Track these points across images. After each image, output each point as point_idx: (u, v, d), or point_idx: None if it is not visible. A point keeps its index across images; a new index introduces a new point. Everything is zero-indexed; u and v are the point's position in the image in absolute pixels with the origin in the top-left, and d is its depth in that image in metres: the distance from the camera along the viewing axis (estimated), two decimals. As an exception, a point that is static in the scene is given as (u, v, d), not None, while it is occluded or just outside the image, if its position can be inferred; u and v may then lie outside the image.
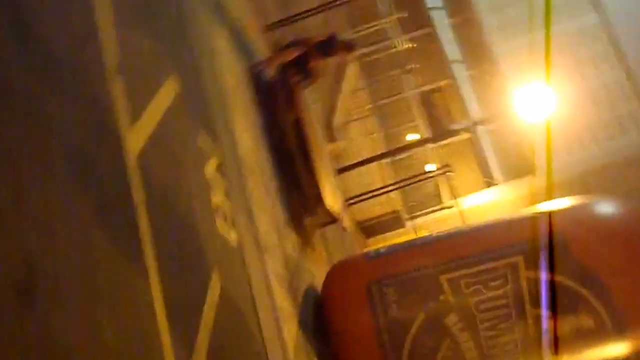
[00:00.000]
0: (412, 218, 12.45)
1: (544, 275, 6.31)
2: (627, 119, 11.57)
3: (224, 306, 4.60)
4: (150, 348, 3.37)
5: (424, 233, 11.31)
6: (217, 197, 5.13)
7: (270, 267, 6.05)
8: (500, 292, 6.36)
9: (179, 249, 4.14)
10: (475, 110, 13.43)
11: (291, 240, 7.16)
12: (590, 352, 7.10)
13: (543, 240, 6.54)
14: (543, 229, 6.69)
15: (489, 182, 13.03)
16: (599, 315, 6.24)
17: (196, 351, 3.87)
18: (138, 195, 3.72)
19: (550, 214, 6.92)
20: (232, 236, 5.25)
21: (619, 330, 6.29)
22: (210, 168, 5.17)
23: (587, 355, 7.40)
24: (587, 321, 6.26)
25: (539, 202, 7.51)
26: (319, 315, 6.85)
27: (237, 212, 5.51)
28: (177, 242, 4.13)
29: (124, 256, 3.38)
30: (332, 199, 7.98)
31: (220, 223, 5.03)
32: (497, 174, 13.29)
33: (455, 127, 13.37)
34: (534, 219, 7.03)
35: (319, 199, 7.73)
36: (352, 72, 12.31)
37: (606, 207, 6.81)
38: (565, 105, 10.97)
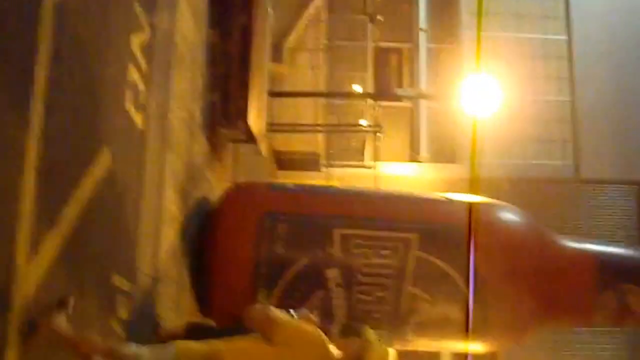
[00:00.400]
0: (330, 165, 12.28)
1: (432, 260, 6.30)
2: (557, 143, 11.84)
3: (107, 185, 4.32)
4: (4, 211, 3.09)
5: (335, 183, 11.19)
6: (135, 75, 4.79)
7: (170, 164, 5.78)
8: (386, 262, 6.32)
9: (74, 113, 3.82)
10: (423, 83, 13.32)
11: (200, 145, 6.87)
12: (448, 343, 7.22)
13: (442, 228, 6.52)
14: (446, 217, 6.67)
15: (414, 157, 12.99)
16: (470, 313, 6.28)
17: (59, 223, 3.60)
18: (45, 46, 3.39)
19: (457, 205, 6.89)
20: (138, 119, 4.93)
21: (484, 331, 6.38)
22: (136, 41, 4.82)
23: (442, 344, 7.53)
24: (456, 314, 6.31)
25: (453, 190, 7.50)
26: (203, 229, 6.64)
27: (151, 97, 5.18)
28: (74, 106, 3.81)
29: (9, 104, 3.09)
30: (256, 118, 7.70)
31: (129, 102, 4.70)
32: (423, 151, 13.28)
33: (400, 92, 13.18)
34: (440, 204, 7.01)
35: (242, 113, 7.42)
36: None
37: (509, 216, 6.89)
38: (507, 110, 11.10)
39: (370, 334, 3.68)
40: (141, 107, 4.93)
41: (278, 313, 3.64)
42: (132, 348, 3.59)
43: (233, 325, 5.61)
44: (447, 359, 12.10)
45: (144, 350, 3.54)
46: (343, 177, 12.09)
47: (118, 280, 4.61)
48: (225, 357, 3.46)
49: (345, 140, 13.23)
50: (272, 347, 3.47)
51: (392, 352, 3.65)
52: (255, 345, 3.53)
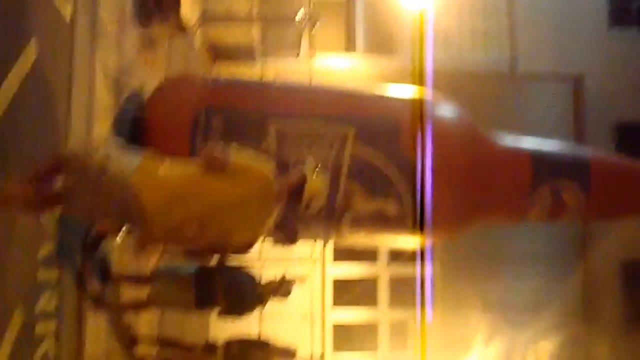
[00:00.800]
0: (265, 56, 12.07)
1: (368, 155, 6.33)
2: (493, 35, 11.79)
3: (34, 80, 4.18)
4: None
5: (271, 76, 11.05)
6: (60, -37, 4.56)
7: (100, 56, 5.60)
8: (322, 157, 6.32)
9: (-3, 4, 3.64)
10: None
11: (132, 36, 6.66)
12: (382, 237, 7.38)
13: (378, 122, 6.53)
14: (382, 111, 6.67)
15: (350, 48, 12.89)
16: (404, 208, 6.40)
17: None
18: None
19: (394, 99, 6.90)
20: (67, 10, 4.73)
21: (415, 227, 6.52)
22: None
23: (378, 239, 7.69)
24: (391, 209, 6.41)
25: (391, 82, 7.47)
26: (136, 125, 6.51)
27: (79, -13, 4.95)
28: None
29: None
30: (189, 9, 7.47)
31: (56, -8, 4.49)
32: (360, 42, 13.14)
33: (337, -18, 12.89)
34: (377, 98, 6.99)
35: (176, 3, 7.19)
36: None
37: (445, 111, 6.87)
38: (443, 1, 10.99)
39: (309, 167, 4.04)
40: (69, -1, 4.72)
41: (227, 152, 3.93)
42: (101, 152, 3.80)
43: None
44: (384, 256, 12.44)
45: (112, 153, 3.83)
46: (279, 69, 11.93)
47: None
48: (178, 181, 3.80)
49: (280, 31, 12.98)
50: (222, 181, 3.82)
51: (325, 184, 4.10)
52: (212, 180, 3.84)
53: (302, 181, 3.97)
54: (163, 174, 3.82)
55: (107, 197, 3.72)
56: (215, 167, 3.82)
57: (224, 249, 4.18)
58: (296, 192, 3.96)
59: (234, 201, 3.83)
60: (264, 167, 3.97)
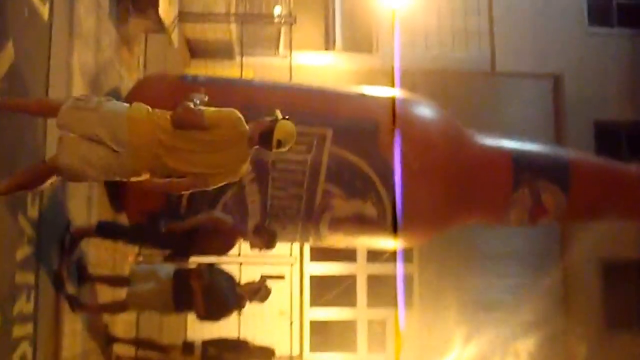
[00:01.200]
0: (243, 54, 12.01)
1: (347, 155, 6.34)
2: (473, 34, 11.81)
3: (11, 81, 4.14)
4: None
5: (250, 73, 11.01)
6: (37, -38, 4.50)
7: (77, 55, 5.54)
8: (301, 157, 6.31)
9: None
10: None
11: (110, 35, 6.59)
12: (361, 238, 7.38)
13: (357, 123, 6.54)
14: (361, 112, 6.68)
15: (328, 46, 12.89)
16: (383, 209, 6.41)
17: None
18: None
19: (373, 100, 6.90)
20: (44, 11, 4.68)
21: (394, 228, 6.53)
22: None
23: (356, 240, 7.69)
24: (370, 210, 6.42)
25: (369, 80, 7.47)
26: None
27: (57, -14, 4.89)
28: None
29: None
30: (166, 7, 7.42)
31: (32, -8, 4.44)
32: (339, 40, 13.13)
33: (315, -20, 12.87)
34: (356, 98, 6.99)
35: (153, 1, 7.13)
36: None
37: (423, 111, 6.89)
38: (422, 0, 11.01)
39: (278, 114, 4.29)
40: (45, -1, 4.67)
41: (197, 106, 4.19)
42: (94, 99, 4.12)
43: (144, 223, 5.61)
44: (363, 255, 12.44)
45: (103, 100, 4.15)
46: (257, 66, 11.88)
47: (27, 178, 4.47)
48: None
49: (259, 29, 12.93)
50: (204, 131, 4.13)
51: (292, 126, 4.30)
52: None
53: (272, 123, 4.21)
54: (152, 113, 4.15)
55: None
56: (191, 117, 4.07)
57: (205, 184, 4.37)
58: (266, 134, 4.20)
59: (212, 141, 4.13)
60: (233, 113, 4.22)
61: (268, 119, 4.26)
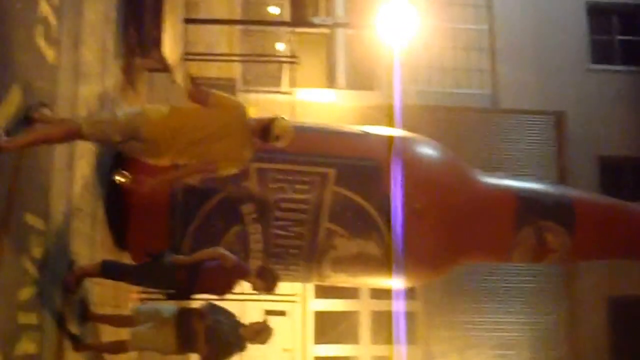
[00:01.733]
0: (246, 92, 12.11)
1: (349, 195, 6.35)
2: (475, 71, 11.92)
3: (18, 124, 4.20)
4: None
5: (252, 111, 11.06)
6: (44, 9, 4.58)
7: (83, 96, 5.60)
8: (303, 196, 6.33)
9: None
10: (341, 9, 13.19)
11: (115, 76, 6.67)
12: (364, 277, 7.34)
13: (360, 162, 6.56)
14: (364, 151, 6.69)
15: (331, 84, 12.97)
16: (386, 248, 6.40)
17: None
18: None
19: (375, 139, 6.92)
20: (50, 54, 4.76)
21: (401, 266, 6.50)
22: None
23: (360, 279, 7.66)
24: (373, 249, 6.41)
25: (371, 118, 7.50)
26: (118, 163, 6.49)
27: (63, 31, 4.97)
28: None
29: None
30: (170, 47, 7.51)
31: (40, 37, 4.52)
32: (341, 78, 13.24)
33: (317, 21, 12.99)
34: (358, 138, 7.00)
35: (157, 42, 7.23)
36: None
37: (426, 150, 6.89)
38: (425, 38, 11.03)
39: (276, 114, 4.97)
40: (53, 42, 4.74)
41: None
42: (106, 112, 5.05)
43: (149, 262, 5.61)
44: (367, 294, 12.40)
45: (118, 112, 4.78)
46: (260, 103, 11.95)
47: (31, 219, 4.52)
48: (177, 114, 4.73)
49: (262, 66, 13.05)
50: (207, 109, 4.80)
51: (290, 124, 4.97)
52: (198, 109, 4.83)
53: (272, 120, 4.87)
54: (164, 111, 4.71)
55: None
56: (201, 96, 4.79)
57: (213, 171, 4.97)
58: (266, 128, 4.85)
59: (219, 127, 4.74)
60: (237, 100, 5.02)
61: (268, 117, 4.90)
